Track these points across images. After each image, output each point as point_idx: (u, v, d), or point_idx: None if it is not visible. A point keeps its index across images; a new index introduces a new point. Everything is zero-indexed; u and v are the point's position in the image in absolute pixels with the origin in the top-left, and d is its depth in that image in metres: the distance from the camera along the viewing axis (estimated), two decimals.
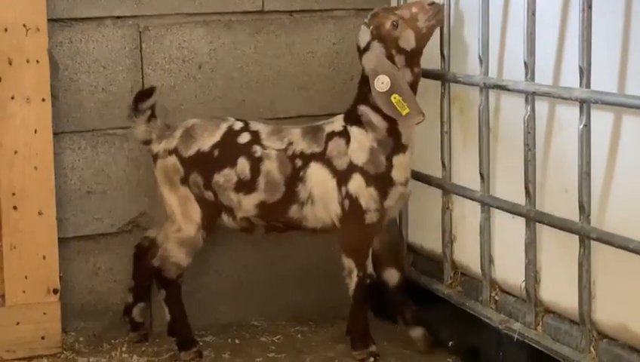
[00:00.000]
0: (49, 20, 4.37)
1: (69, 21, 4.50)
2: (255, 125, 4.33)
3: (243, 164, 4.21)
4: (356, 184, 4.12)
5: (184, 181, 4.28)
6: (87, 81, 4.56)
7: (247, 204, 4.22)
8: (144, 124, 4.33)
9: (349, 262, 4.20)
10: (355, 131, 4.17)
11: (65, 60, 4.52)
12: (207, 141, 4.27)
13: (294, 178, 4.18)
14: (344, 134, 4.19)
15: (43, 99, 4.35)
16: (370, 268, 4.22)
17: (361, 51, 4.15)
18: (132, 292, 4.57)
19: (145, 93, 4.35)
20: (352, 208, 4.13)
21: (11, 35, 4.28)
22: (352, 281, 4.22)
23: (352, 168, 4.13)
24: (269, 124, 4.39)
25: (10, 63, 4.29)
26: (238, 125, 4.32)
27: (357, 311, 4.29)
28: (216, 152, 4.25)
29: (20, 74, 4.30)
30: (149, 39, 4.63)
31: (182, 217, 4.30)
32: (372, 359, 4.27)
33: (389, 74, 4.02)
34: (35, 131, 4.35)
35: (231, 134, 4.28)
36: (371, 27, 4.10)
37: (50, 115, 4.38)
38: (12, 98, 4.30)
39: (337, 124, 4.24)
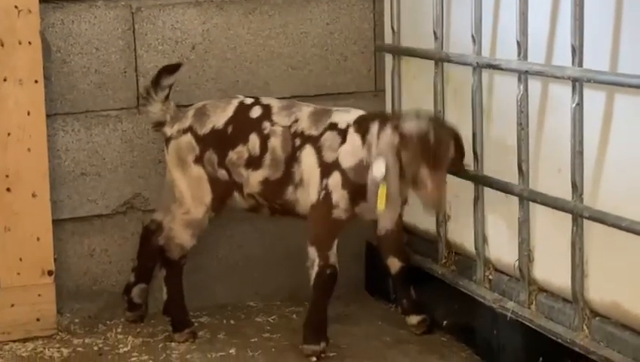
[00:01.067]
0: (41, 2, 4.35)
1: (61, 2, 4.49)
2: (267, 100, 4.32)
3: (254, 140, 4.21)
4: (334, 181, 4.08)
5: (198, 160, 4.27)
6: (79, 62, 4.55)
7: (254, 180, 4.22)
8: (161, 102, 4.32)
9: (312, 251, 4.14)
10: (354, 138, 4.09)
11: (57, 42, 4.51)
12: (220, 118, 4.26)
13: (292, 157, 4.17)
14: (343, 133, 4.12)
15: (36, 81, 4.34)
16: (332, 260, 4.13)
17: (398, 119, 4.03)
18: (134, 272, 4.57)
19: (170, 69, 4.33)
20: (325, 200, 4.09)
21: (3, 17, 4.26)
22: (313, 271, 4.14)
23: (335, 165, 4.08)
24: (282, 99, 4.36)
25: (2, 45, 4.28)
26: (249, 100, 4.31)
27: (315, 302, 4.19)
28: (230, 129, 4.24)
29: (12, 56, 4.29)
30: (142, 20, 4.62)
31: (191, 200, 4.30)
32: (314, 358, 4.16)
33: (387, 161, 3.92)
34: (28, 113, 4.34)
35: (243, 109, 4.27)
36: (403, 130, 3.91)
37: (43, 97, 4.38)
38: (4, 80, 4.29)
39: (345, 119, 4.15)
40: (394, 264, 4.40)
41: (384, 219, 4.27)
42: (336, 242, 4.16)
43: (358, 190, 4.06)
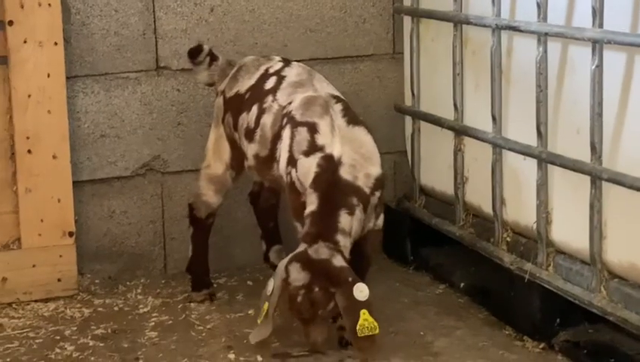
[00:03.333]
0: None
1: None
2: (290, 70, 4.16)
3: (253, 112, 4.14)
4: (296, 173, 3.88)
5: (223, 120, 4.32)
6: (99, 24, 4.56)
7: (249, 153, 4.17)
8: (205, 70, 4.38)
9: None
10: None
11: (76, 4, 4.52)
12: (245, 83, 4.25)
13: (277, 136, 4.00)
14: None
15: (55, 43, 4.35)
16: None
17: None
18: (263, 239, 4.66)
19: (194, 51, 4.36)
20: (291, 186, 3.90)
21: None
22: None
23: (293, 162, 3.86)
24: (304, 72, 4.14)
25: (22, 7, 4.29)
26: (275, 68, 4.20)
27: None
28: (247, 95, 4.22)
29: (32, 17, 4.30)
30: None
31: (212, 154, 4.35)
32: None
33: (275, 286, 3.68)
34: (48, 75, 4.36)
35: (264, 77, 4.20)
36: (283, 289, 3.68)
37: (63, 59, 4.39)
38: (25, 42, 4.31)
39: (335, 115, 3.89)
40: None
41: None
42: None
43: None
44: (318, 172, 3.76)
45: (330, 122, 3.84)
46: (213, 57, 4.38)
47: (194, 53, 4.38)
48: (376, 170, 3.83)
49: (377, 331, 3.58)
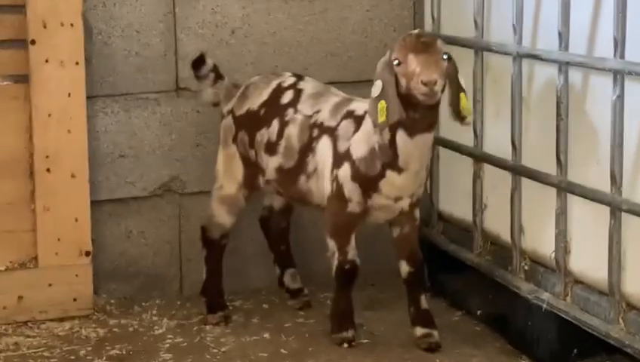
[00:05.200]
0: None
1: None
2: (305, 84, 4.29)
3: (274, 126, 4.21)
4: (343, 173, 4.00)
5: (234, 139, 4.33)
6: (120, 45, 4.58)
7: (271, 166, 4.22)
8: (210, 87, 4.42)
9: (332, 244, 4.10)
10: (368, 123, 3.93)
11: (99, 24, 4.54)
12: (257, 100, 4.30)
13: (307, 147, 4.11)
14: (359, 120, 4.02)
15: (77, 63, 4.37)
16: (351, 255, 4.08)
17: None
18: (276, 263, 4.66)
19: (197, 61, 4.40)
20: (337, 192, 4.02)
21: None
22: (333, 263, 4.12)
23: (346, 155, 4.00)
24: (320, 85, 4.32)
25: (45, 26, 4.31)
26: (288, 82, 4.30)
27: (336, 294, 4.18)
28: (262, 111, 4.27)
29: (54, 37, 4.33)
30: (183, 3, 4.64)
31: (224, 174, 4.37)
32: (346, 344, 4.13)
33: (383, 80, 3.79)
34: (69, 95, 4.38)
35: (278, 92, 4.27)
36: (398, 42, 3.81)
37: (84, 79, 4.41)
38: (46, 61, 4.33)
39: (363, 107, 4.03)
40: (403, 267, 4.18)
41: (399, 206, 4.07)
42: (354, 236, 4.10)
43: (369, 182, 3.96)
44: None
45: None
46: (218, 75, 4.42)
47: (197, 63, 4.40)
48: None
49: (471, 115, 3.95)
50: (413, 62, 3.71)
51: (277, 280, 4.68)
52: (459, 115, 3.88)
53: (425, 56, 3.71)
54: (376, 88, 3.81)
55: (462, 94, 3.85)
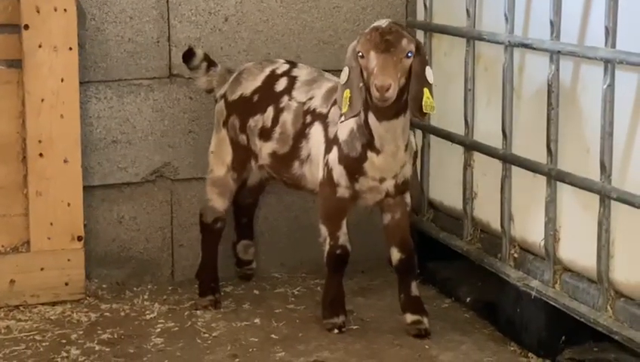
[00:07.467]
0: None
1: None
2: (298, 70, 4.33)
3: (269, 112, 4.26)
4: (333, 156, 4.04)
5: (225, 123, 4.37)
6: (113, 31, 4.59)
7: (265, 151, 4.27)
8: (204, 75, 4.46)
9: (323, 229, 4.13)
10: None
11: (92, 10, 4.55)
12: (250, 85, 4.34)
13: (301, 134, 4.17)
14: None
15: (70, 48, 4.38)
16: (342, 240, 4.11)
17: None
18: (235, 230, 4.72)
19: (187, 54, 4.45)
20: (328, 177, 4.06)
21: None
22: (325, 249, 4.15)
23: (335, 140, 4.04)
24: (314, 70, 4.35)
25: (38, 11, 4.32)
26: (282, 69, 4.34)
27: (328, 280, 4.22)
28: (255, 97, 4.31)
29: (47, 22, 4.33)
30: None
31: (214, 158, 4.42)
32: (336, 330, 4.15)
33: (350, 68, 3.84)
34: (62, 80, 4.38)
35: (272, 79, 4.31)
36: (364, 34, 3.82)
37: (77, 64, 4.42)
38: (40, 46, 4.33)
39: None
40: (394, 254, 4.19)
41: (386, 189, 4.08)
42: (344, 221, 4.12)
43: (353, 164, 3.98)
44: None
45: None
46: (210, 63, 4.47)
47: (187, 56, 4.45)
48: None
49: (434, 111, 3.87)
50: (373, 62, 3.73)
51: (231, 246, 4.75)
52: (419, 110, 3.85)
53: (385, 56, 3.72)
54: (344, 75, 3.86)
55: (426, 89, 3.83)
